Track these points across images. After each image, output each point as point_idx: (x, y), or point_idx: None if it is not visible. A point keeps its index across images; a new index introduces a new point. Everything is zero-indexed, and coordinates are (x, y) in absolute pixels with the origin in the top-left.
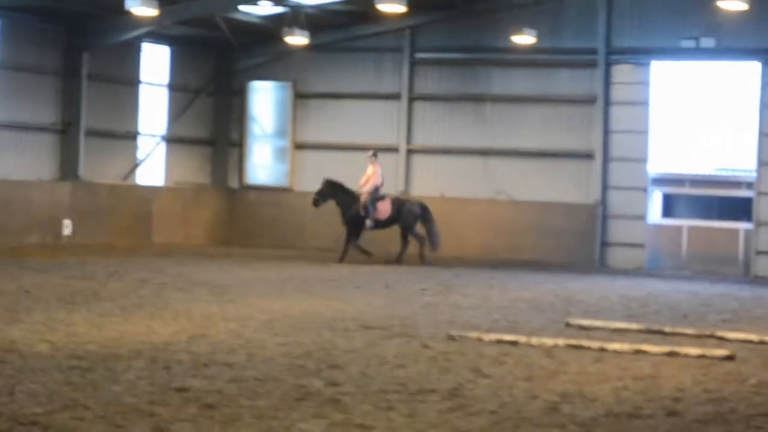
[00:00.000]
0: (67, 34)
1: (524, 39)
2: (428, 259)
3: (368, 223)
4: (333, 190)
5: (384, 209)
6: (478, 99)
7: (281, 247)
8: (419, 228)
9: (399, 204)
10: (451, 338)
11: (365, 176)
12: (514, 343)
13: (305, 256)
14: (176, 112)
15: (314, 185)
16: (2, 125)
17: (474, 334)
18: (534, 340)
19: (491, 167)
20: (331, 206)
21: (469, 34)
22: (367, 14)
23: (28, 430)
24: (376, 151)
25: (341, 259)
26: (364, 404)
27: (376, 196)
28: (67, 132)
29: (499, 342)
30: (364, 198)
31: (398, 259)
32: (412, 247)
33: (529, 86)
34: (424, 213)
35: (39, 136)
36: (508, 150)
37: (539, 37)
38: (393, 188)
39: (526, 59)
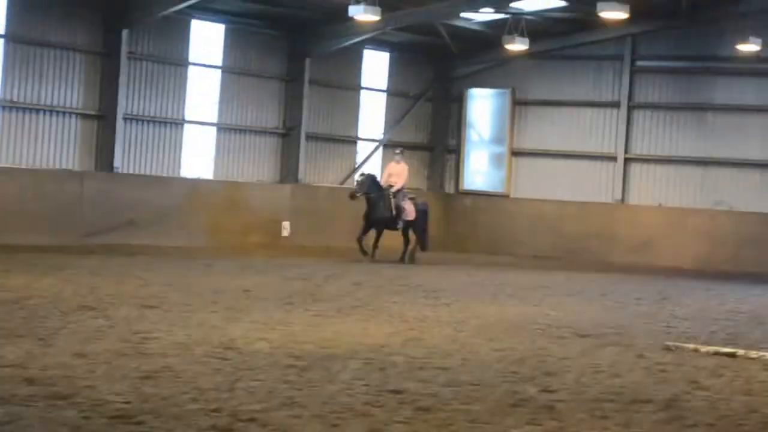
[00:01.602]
0: (290, 40)
1: (749, 47)
2: (419, 259)
3: (400, 223)
4: (370, 185)
5: (410, 210)
6: (700, 108)
7: (496, 253)
8: None
9: (414, 204)
10: (668, 349)
11: (387, 174)
12: (732, 356)
13: (520, 263)
14: (395, 118)
15: (531, 192)
16: (227, 128)
17: (691, 345)
18: (753, 353)
19: (711, 177)
20: (551, 215)
21: (692, 43)
22: (588, 22)
23: (246, 426)
24: (404, 149)
25: (372, 256)
26: (579, 412)
27: (404, 196)
28: (288, 135)
29: (717, 354)
30: (393, 197)
31: (412, 258)
32: (395, 244)
33: (753, 96)
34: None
35: (262, 138)
36: (729, 160)
37: (765, 45)
38: (610, 197)
39: (750, 68)
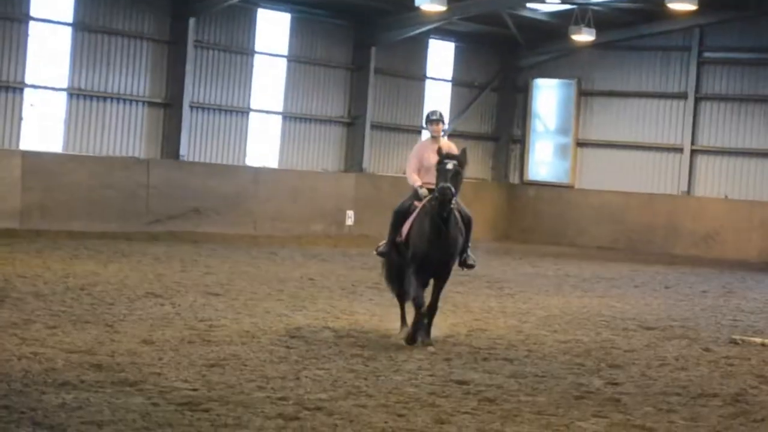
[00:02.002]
0: (356, 29)
1: None
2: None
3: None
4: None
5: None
6: (767, 100)
7: (559, 244)
8: None
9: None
10: (734, 342)
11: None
12: None
13: (584, 254)
14: (460, 108)
15: (596, 183)
16: (293, 116)
17: (758, 339)
18: None
19: None
20: (616, 207)
21: (761, 34)
22: (655, 12)
23: (313, 415)
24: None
25: None
26: (645, 406)
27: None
28: (353, 125)
29: None
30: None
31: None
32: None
33: None
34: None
35: (327, 127)
36: None
37: None
38: (676, 189)
39: None
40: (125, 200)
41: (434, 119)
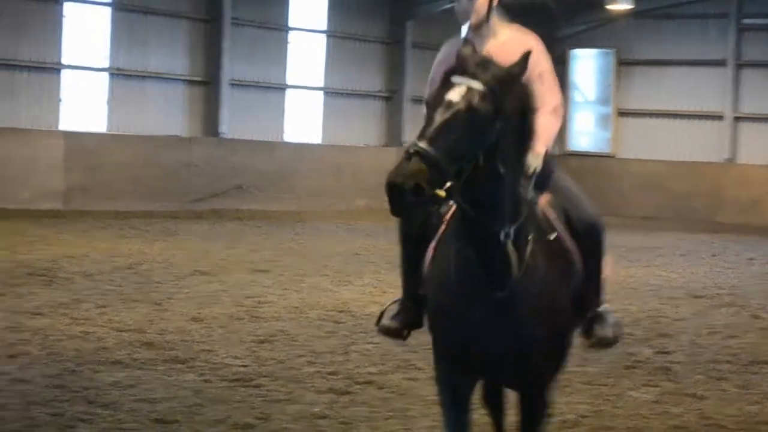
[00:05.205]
0: (392, 3)
1: None
2: None
3: None
4: None
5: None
6: None
7: (604, 214)
8: None
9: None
10: None
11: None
12: None
13: (628, 223)
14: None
15: (637, 152)
16: (332, 92)
17: None
18: None
19: None
20: (659, 175)
21: None
22: None
23: (363, 389)
24: None
25: None
26: (696, 374)
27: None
28: (392, 99)
29: None
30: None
31: None
32: None
33: None
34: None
35: (366, 102)
36: None
37: None
38: (719, 157)
39: None
40: (168, 179)
41: None
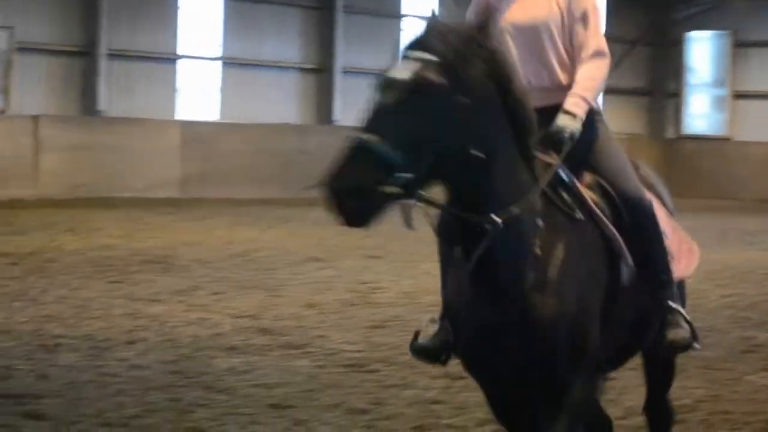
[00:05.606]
0: None
1: None
2: None
3: None
4: None
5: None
6: None
7: (719, 198)
8: None
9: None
10: None
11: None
12: None
13: (746, 207)
14: (612, 63)
15: (755, 135)
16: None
17: None
18: None
19: None
20: None
21: None
22: None
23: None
24: None
25: None
26: None
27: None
28: None
29: None
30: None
31: None
32: None
33: None
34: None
35: None
36: None
37: None
38: None
39: None
40: (282, 166)
41: None
